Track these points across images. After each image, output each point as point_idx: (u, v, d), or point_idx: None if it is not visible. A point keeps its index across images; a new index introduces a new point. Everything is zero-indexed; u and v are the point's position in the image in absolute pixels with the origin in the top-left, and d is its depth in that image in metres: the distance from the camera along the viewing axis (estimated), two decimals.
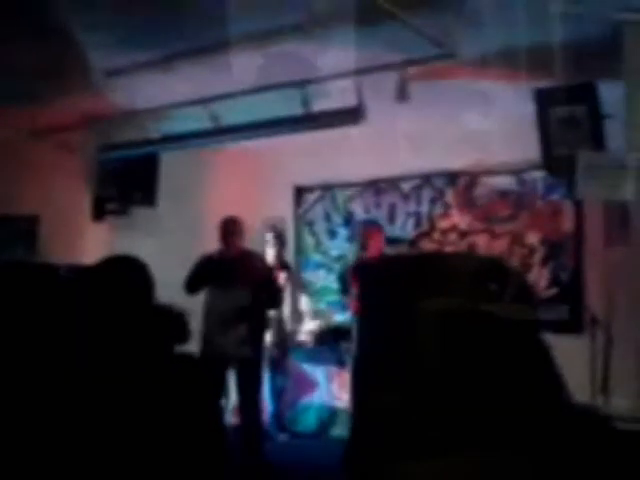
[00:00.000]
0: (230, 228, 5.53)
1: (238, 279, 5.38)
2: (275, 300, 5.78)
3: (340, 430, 6.45)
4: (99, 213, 7.21)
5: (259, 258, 5.88)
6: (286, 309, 6.40)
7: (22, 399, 2.12)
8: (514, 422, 1.12)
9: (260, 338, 5.57)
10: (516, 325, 1.15)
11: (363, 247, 6.17)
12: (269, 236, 7.12)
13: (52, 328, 2.30)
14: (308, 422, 6.86)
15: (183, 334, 2.43)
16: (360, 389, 5.71)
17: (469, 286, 2.71)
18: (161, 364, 2.25)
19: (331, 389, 6.86)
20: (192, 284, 5.46)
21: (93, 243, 7.03)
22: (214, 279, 5.47)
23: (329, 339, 7.05)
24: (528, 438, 1.12)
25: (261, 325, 5.57)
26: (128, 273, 2.41)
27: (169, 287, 2.77)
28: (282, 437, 6.75)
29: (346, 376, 6.26)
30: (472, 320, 1.12)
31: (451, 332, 1.12)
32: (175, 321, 2.42)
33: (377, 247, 6.01)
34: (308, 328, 7.04)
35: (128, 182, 7.07)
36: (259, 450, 5.38)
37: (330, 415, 6.79)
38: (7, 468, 2.02)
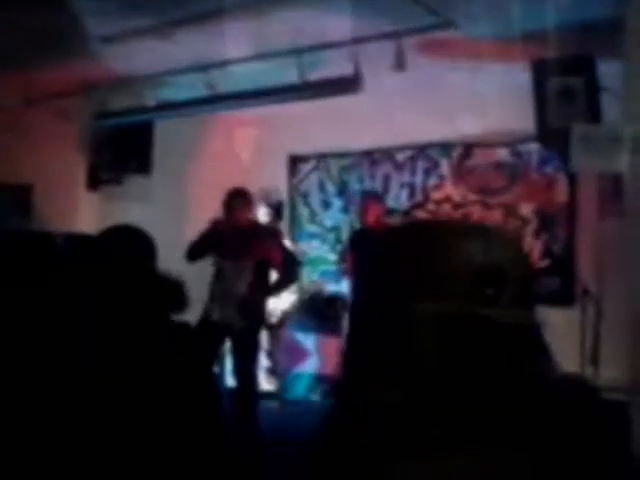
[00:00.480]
0: (232, 201, 5.43)
1: (241, 252, 5.34)
2: (293, 273, 5.72)
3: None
4: (94, 182, 7.19)
5: (269, 231, 5.83)
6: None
7: (21, 368, 2.13)
8: (513, 421, 1.14)
9: (260, 309, 5.58)
10: (513, 328, 1.16)
11: (361, 218, 6.20)
12: (262, 207, 7.06)
13: (49, 296, 2.32)
14: (299, 390, 6.94)
15: (181, 302, 2.45)
16: (354, 372, 5.77)
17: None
18: (158, 332, 2.27)
19: (322, 358, 6.92)
20: (193, 252, 5.45)
21: (87, 212, 7.04)
22: (216, 249, 5.44)
23: (314, 308, 7.12)
24: (527, 436, 1.14)
25: (262, 297, 5.58)
26: (132, 242, 2.42)
27: (163, 256, 2.77)
28: (273, 404, 6.81)
29: (336, 345, 6.33)
30: (469, 323, 1.14)
31: (448, 335, 1.14)
32: (173, 289, 2.44)
33: (375, 218, 6.03)
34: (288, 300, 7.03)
35: (123, 150, 7.04)
36: (253, 416, 5.44)
37: (321, 383, 6.87)
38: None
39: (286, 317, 7.03)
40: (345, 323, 6.33)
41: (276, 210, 7.35)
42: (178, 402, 2.17)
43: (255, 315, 5.48)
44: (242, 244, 5.36)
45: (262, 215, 6.89)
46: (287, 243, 6.84)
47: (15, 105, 6.57)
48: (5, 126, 6.54)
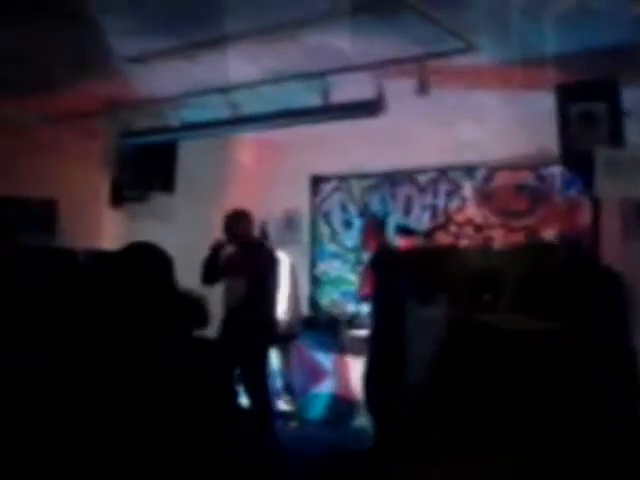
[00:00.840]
0: (229, 223, 5.89)
1: (235, 270, 5.69)
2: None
3: (350, 420, 6.51)
4: (117, 199, 7.25)
5: (262, 249, 6.06)
6: None
7: (39, 383, 2.15)
8: (506, 430, 1.13)
9: (263, 327, 5.74)
10: (514, 335, 1.16)
11: (362, 241, 6.24)
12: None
13: (71, 312, 2.34)
14: (316, 410, 6.91)
15: (202, 319, 2.47)
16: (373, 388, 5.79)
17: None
18: (180, 348, 2.28)
19: (340, 378, 6.90)
20: (205, 277, 5.79)
21: (110, 229, 7.09)
22: (218, 270, 5.76)
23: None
24: (523, 446, 1.13)
25: (262, 315, 5.74)
26: (150, 259, 2.44)
27: (185, 274, 2.81)
28: (292, 424, 6.81)
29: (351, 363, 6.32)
30: (470, 330, 1.13)
31: (450, 342, 1.14)
32: (194, 306, 2.46)
33: (373, 241, 6.05)
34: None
35: (147, 169, 7.11)
36: (271, 431, 5.52)
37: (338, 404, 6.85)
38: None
39: (291, 329, 7.00)
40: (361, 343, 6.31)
41: (261, 230, 7.33)
42: (200, 417, 2.18)
43: (261, 332, 5.69)
44: (234, 263, 5.71)
45: None
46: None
47: (41, 123, 6.65)
48: (31, 144, 6.63)
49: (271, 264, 5.92)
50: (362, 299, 6.36)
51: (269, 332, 5.95)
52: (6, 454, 2.01)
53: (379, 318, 5.85)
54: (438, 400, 1.14)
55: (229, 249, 5.91)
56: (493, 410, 1.15)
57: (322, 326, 7.39)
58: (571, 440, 1.16)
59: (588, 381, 1.18)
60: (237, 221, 5.88)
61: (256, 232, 6.88)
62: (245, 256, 5.78)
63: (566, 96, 5.07)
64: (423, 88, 4.95)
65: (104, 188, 7.27)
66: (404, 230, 6.56)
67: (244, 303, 5.65)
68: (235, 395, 2.68)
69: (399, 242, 6.13)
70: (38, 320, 2.38)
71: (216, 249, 5.83)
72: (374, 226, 6.22)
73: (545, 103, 5.18)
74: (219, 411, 2.30)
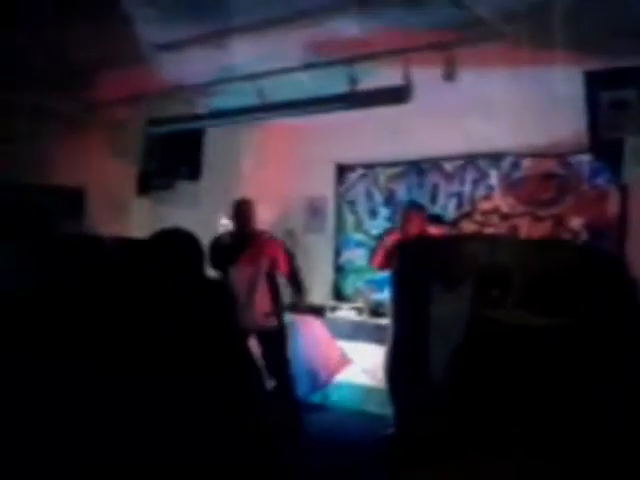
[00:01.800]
0: (236, 211, 5.96)
1: (244, 258, 5.74)
2: (300, 283, 6.16)
3: (373, 407, 6.52)
4: (144, 187, 7.30)
5: (268, 238, 6.11)
6: None
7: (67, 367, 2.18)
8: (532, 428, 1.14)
9: (276, 310, 5.85)
10: (522, 330, 1.16)
11: (401, 229, 6.19)
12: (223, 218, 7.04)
13: (99, 298, 2.36)
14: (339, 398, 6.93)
15: (230, 306, 2.49)
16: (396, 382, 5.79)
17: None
18: (205, 332, 2.30)
19: (363, 366, 6.91)
20: (211, 264, 5.75)
21: (137, 216, 7.15)
22: (224, 258, 5.79)
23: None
24: (548, 443, 1.14)
25: (275, 298, 5.89)
26: (181, 245, 2.47)
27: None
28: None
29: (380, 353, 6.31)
30: (477, 326, 1.14)
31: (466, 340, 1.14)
32: (220, 292, 2.48)
33: (416, 229, 6.01)
34: None
35: (174, 156, 7.16)
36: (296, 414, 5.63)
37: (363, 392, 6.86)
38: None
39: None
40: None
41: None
42: (225, 399, 2.21)
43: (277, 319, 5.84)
44: (253, 251, 5.80)
45: (220, 226, 6.92)
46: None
47: (71, 111, 6.71)
48: (61, 131, 6.69)
49: (277, 251, 6.00)
50: (377, 268, 6.35)
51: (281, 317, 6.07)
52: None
53: (404, 304, 5.84)
54: (457, 394, 1.15)
55: (230, 237, 6.03)
56: (508, 403, 1.16)
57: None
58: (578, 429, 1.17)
59: (594, 374, 1.18)
60: (248, 209, 5.97)
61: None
62: (253, 243, 5.87)
63: (595, 82, 5.03)
64: (450, 75, 4.93)
65: (132, 176, 7.31)
66: (434, 218, 6.54)
67: (254, 289, 5.74)
68: (260, 376, 2.70)
69: (407, 222, 6.08)
70: (67, 307, 2.41)
71: (227, 238, 5.97)
72: (417, 215, 6.17)
73: (575, 90, 5.14)
74: (244, 396, 2.32)
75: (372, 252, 6.46)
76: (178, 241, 2.50)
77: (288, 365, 5.94)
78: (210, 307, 2.39)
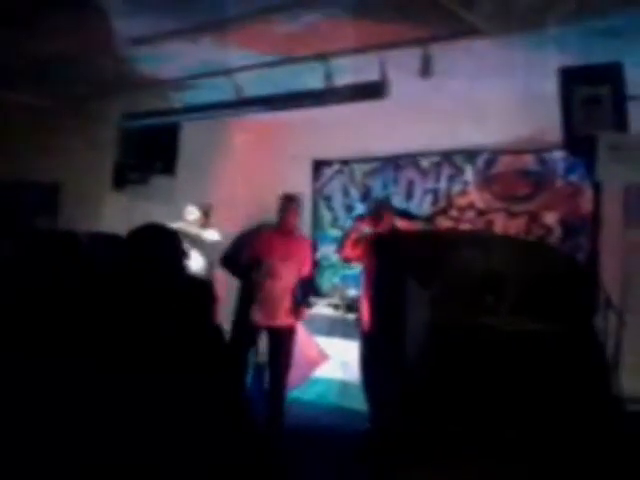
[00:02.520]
0: (282, 206, 5.70)
1: (290, 255, 5.66)
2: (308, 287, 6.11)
3: (350, 402, 6.54)
4: (120, 181, 7.25)
5: (301, 236, 6.05)
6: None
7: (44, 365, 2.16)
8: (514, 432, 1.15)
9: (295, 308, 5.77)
10: (515, 336, 1.17)
11: (372, 225, 6.19)
12: (191, 207, 6.99)
13: (75, 295, 2.34)
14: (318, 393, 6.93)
15: (210, 301, 2.47)
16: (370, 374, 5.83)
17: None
18: (188, 330, 2.29)
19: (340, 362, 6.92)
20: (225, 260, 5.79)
21: (113, 211, 7.09)
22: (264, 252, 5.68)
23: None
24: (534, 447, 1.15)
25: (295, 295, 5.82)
26: (161, 241, 2.44)
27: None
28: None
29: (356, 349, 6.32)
30: (471, 333, 1.14)
31: (447, 346, 1.15)
32: (201, 288, 2.47)
33: (385, 224, 6.03)
34: None
35: (149, 151, 7.11)
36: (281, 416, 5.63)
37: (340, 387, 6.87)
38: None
39: None
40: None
41: (204, 213, 7.15)
42: (206, 401, 2.19)
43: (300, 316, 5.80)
44: (291, 248, 5.69)
45: (189, 214, 6.87)
46: None
47: (44, 105, 6.65)
48: (34, 125, 6.63)
49: (307, 252, 5.93)
50: (343, 260, 6.35)
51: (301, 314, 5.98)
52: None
53: (379, 300, 5.86)
54: (434, 395, 1.16)
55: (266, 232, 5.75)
56: (487, 408, 1.17)
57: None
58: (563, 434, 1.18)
59: (582, 379, 1.19)
60: (292, 204, 5.73)
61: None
62: (290, 241, 5.73)
63: (569, 79, 5.06)
64: (426, 70, 4.95)
65: (107, 170, 7.26)
66: (404, 214, 6.54)
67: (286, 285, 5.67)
68: (241, 378, 2.69)
69: (399, 226, 6.11)
70: (43, 300, 2.38)
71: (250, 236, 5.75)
72: (388, 212, 6.18)
73: (548, 86, 5.17)
74: (223, 397, 2.31)
75: (340, 241, 6.42)
76: (158, 238, 2.47)
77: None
78: (190, 306, 2.37)
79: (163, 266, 2.37)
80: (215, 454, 2.17)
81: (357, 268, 6.86)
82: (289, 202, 5.70)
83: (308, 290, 6.14)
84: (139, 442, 2.05)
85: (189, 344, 2.22)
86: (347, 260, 6.23)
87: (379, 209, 6.13)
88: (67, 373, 2.11)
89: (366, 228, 6.03)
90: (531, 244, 5.95)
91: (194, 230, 6.82)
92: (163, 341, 2.18)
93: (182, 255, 2.47)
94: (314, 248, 6.27)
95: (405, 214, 6.54)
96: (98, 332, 2.16)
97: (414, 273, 5.37)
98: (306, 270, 5.85)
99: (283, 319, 5.66)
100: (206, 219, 7.02)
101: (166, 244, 2.43)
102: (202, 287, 2.45)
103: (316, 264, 8.13)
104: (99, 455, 2.03)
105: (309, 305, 6.49)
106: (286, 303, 5.67)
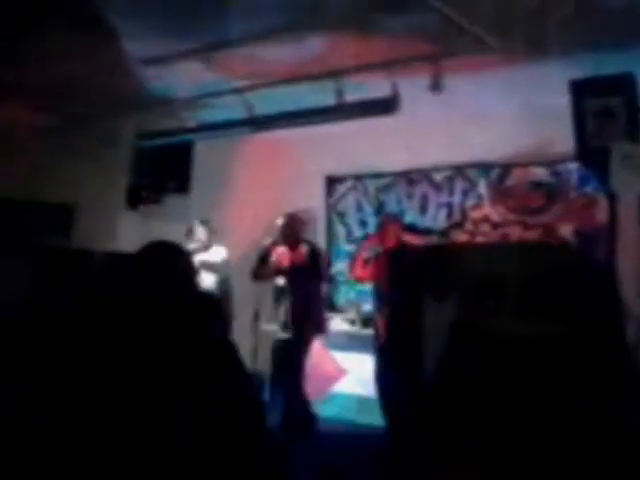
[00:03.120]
0: (288, 225, 6.20)
1: (309, 271, 6.11)
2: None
3: (367, 417, 6.51)
4: (134, 201, 7.28)
5: (309, 248, 6.31)
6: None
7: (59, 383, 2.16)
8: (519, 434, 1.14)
9: (302, 320, 6.07)
10: (515, 340, 1.16)
11: (380, 240, 6.24)
12: (199, 226, 7.04)
13: (87, 311, 2.34)
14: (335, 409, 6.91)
15: (220, 319, 2.47)
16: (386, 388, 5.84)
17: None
18: (198, 347, 2.28)
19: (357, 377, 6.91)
20: (254, 274, 6.29)
21: (127, 231, 7.12)
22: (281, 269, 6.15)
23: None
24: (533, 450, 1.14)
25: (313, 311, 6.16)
26: (170, 258, 2.44)
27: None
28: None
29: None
30: (472, 334, 1.14)
31: (450, 346, 1.15)
32: (211, 305, 2.46)
33: (393, 239, 6.07)
34: None
35: (163, 170, 7.15)
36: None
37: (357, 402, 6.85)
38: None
39: None
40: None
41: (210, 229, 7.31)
42: (219, 414, 2.19)
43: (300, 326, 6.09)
44: (307, 264, 6.10)
45: (199, 233, 6.93)
46: None
47: (59, 125, 6.70)
48: (48, 145, 6.67)
49: (321, 264, 6.24)
50: (355, 279, 6.44)
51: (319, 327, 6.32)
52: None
53: (395, 315, 5.86)
54: (449, 403, 1.15)
55: (280, 249, 6.19)
56: (498, 411, 1.16)
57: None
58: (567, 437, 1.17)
59: (586, 381, 1.18)
60: (295, 224, 6.22)
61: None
62: (295, 254, 6.13)
63: (581, 91, 5.04)
64: (436, 85, 4.95)
65: (121, 190, 7.30)
66: (410, 228, 6.54)
67: (298, 300, 6.07)
68: (255, 393, 2.67)
69: (406, 240, 6.11)
70: (56, 317, 2.39)
71: (268, 249, 6.16)
72: (393, 224, 6.20)
73: (560, 99, 5.16)
74: (238, 409, 2.29)
75: (351, 261, 6.51)
76: (167, 254, 2.47)
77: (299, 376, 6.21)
78: (202, 322, 2.37)
79: (172, 284, 2.37)
80: (230, 463, 2.16)
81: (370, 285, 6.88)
82: (285, 220, 6.20)
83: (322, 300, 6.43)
84: (149, 461, 2.05)
85: (199, 360, 2.22)
86: (359, 279, 6.30)
87: (384, 224, 6.17)
88: (70, 390, 2.12)
89: (374, 246, 6.08)
90: (540, 244, 5.89)
91: (209, 256, 6.85)
92: (169, 358, 2.18)
93: (192, 273, 2.47)
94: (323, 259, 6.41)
95: (411, 228, 6.55)
96: (110, 351, 2.17)
97: (428, 287, 5.36)
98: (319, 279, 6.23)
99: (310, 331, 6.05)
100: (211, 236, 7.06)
101: (175, 262, 2.43)
102: (212, 303, 2.45)
103: (331, 279, 8.14)
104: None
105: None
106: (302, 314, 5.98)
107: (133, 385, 2.12)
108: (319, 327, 6.29)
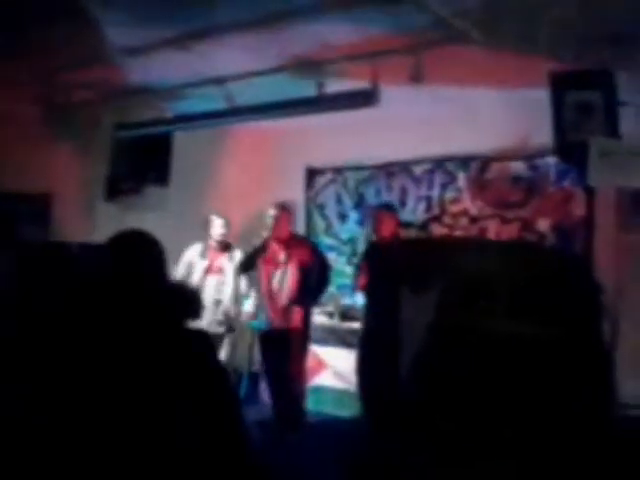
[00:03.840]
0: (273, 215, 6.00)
1: (285, 259, 5.99)
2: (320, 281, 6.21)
3: (345, 411, 6.52)
4: (112, 192, 7.24)
5: (304, 241, 6.36)
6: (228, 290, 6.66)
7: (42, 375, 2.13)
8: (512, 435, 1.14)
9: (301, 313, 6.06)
10: (513, 341, 1.16)
11: (374, 231, 6.21)
12: (217, 219, 6.74)
13: (65, 305, 2.31)
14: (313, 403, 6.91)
15: (195, 309, 2.44)
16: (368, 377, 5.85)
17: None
18: (172, 339, 2.26)
19: (337, 371, 6.91)
20: (242, 266, 6.19)
21: (105, 222, 7.07)
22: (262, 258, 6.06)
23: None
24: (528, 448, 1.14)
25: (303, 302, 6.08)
26: (140, 247, 2.41)
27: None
28: None
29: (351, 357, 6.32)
30: (465, 336, 1.13)
31: (440, 349, 1.14)
32: (187, 296, 2.43)
33: (388, 231, 6.03)
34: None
35: (142, 161, 7.10)
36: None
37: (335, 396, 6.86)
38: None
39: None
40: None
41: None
42: (194, 409, 2.16)
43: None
44: (285, 253, 5.99)
45: (218, 227, 6.72)
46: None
47: (35, 115, 6.63)
48: (25, 136, 6.61)
49: (313, 256, 6.11)
50: (359, 289, 6.36)
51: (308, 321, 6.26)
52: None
53: (373, 308, 5.87)
54: (430, 402, 1.14)
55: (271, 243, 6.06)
56: (483, 414, 1.15)
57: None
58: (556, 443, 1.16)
59: (576, 385, 1.18)
60: (284, 216, 6.05)
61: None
62: (288, 249, 6.01)
63: (560, 85, 5.06)
64: (417, 77, 4.95)
65: (98, 181, 7.24)
66: (386, 207, 6.48)
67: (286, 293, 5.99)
68: (231, 387, 2.64)
69: (382, 222, 6.08)
70: (33, 312, 2.36)
71: (265, 243, 5.98)
72: (389, 214, 6.18)
73: (539, 93, 5.18)
74: (214, 403, 2.27)
75: (356, 273, 6.50)
76: (137, 243, 2.43)
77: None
78: (177, 312, 2.34)
79: (139, 277, 2.33)
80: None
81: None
82: (278, 211, 5.99)
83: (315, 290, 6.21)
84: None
85: (169, 353, 2.19)
86: (364, 289, 6.23)
87: (379, 217, 6.14)
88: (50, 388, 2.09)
89: None
90: (525, 245, 5.92)
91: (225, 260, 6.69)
92: (143, 351, 2.15)
93: (161, 261, 2.42)
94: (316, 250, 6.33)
95: (386, 207, 6.50)
96: (85, 346, 2.14)
97: (406, 280, 5.38)
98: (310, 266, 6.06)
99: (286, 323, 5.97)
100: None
101: (146, 253, 2.39)
102: (186, 292, 2.42)
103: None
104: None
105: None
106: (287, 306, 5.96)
107: (112, 380, 2.10)
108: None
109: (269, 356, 6.16)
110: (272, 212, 5.96)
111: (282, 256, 5.98)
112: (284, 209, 6.06)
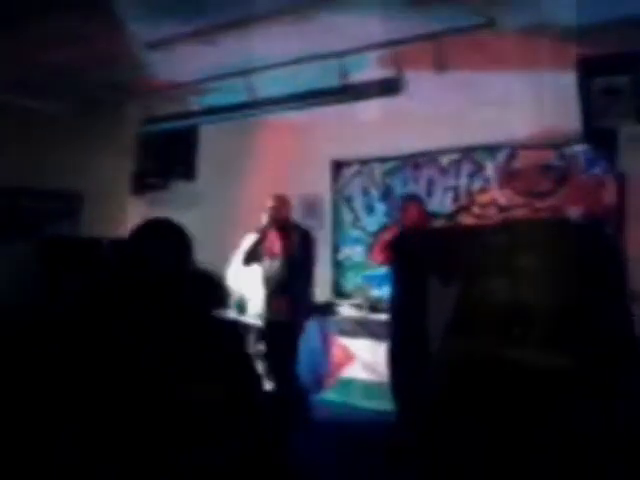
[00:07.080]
0: (275, 207, 6.08)
1: (279, 250, 6.03)
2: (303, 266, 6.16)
3: (374, 403, 6.51)
4: (139, 187, 7.27)
5: (296, 230, 6.21)
6: None
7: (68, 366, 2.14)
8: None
9: (297, 305, 6.00)
10: (542, 374, 1.13)
11: (401, 221, 6.17)
12: None
13: (97, 299, 2.32)
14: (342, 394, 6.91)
15: (221, 299, 2.44)
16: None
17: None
18: (200, 328, 2.26)
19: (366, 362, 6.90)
20: (245, 259, 6.17)
21: (133, 217, 7.11)
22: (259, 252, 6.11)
23: None
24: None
25: (299, 292, 6.04)
26: (167, 236, 2.40)
27: (209, 260, 2.77)
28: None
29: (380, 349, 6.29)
30: (495, 369, 1.11)
31: (465, 382, 1.12)
32: (213, 285, 2.43)
33: (412, 220, 5.98)
34: None
35: (169, 156, 7.13)
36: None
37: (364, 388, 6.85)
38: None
39: None
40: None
41: None
42: (223, 397, 2.17)
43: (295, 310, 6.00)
44: (282, 244, 6.02)
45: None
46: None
47: (62, 112, 6.69)
48: (54, 132, 6.67)
49: (308, 244, 6.13)
50: (375, 262, 6.37)
51: (306, 311, 6.24)
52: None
53: (402, 298, 5.84)
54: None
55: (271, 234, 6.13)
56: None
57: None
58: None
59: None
60: (282, 205, 6.12)
61: None
62: (284, 238, 6.06)
63: (588, 70, 4.99)
64: (441, 65, 4.90)
65: (126, 176, 7.29)
66: (413, 198, 6.45)
67: (283, 282, 5.99)
68: (257, 376, 2.64)
69: (409, 212, 6.05)
70: (66, 306, 2.38)
71: (263, 233, 6.06)
72: (415, 204, 6.15)
73: (568, 79, 5.11)
74: (241, 392, 2.28)
75: (370, 247, 6.50)
76: (163, 232, 2.43)
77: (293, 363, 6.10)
78: (204, 301, 2.34)
79: (165, 265, 2.32)
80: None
81: (380, 269, 6.85)
82: (276, 202, 6.11)
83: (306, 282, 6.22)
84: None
85: (198, 341, 2.20)
86: (376, 262, 6.27)
87: (405, 206, 6.11)
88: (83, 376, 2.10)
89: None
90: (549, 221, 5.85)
91: None
92: (173, 340, 2.16)
93: (188, 250, 2.41)
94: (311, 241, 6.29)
95: (410, 197, 6.49)
96: (115, 335, 2.15)
97: (434, 271, 5.36)
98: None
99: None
100: None
101: (172, 240, 2.38)
102: (211, 280, 2.41)
103: (338, 265, 8.12)
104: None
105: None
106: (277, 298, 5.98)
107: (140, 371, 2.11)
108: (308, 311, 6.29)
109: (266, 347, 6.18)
110: (270, 203, 6.08)
111: (278, 246, 6.07)
112: (282, 199, 6.16)
